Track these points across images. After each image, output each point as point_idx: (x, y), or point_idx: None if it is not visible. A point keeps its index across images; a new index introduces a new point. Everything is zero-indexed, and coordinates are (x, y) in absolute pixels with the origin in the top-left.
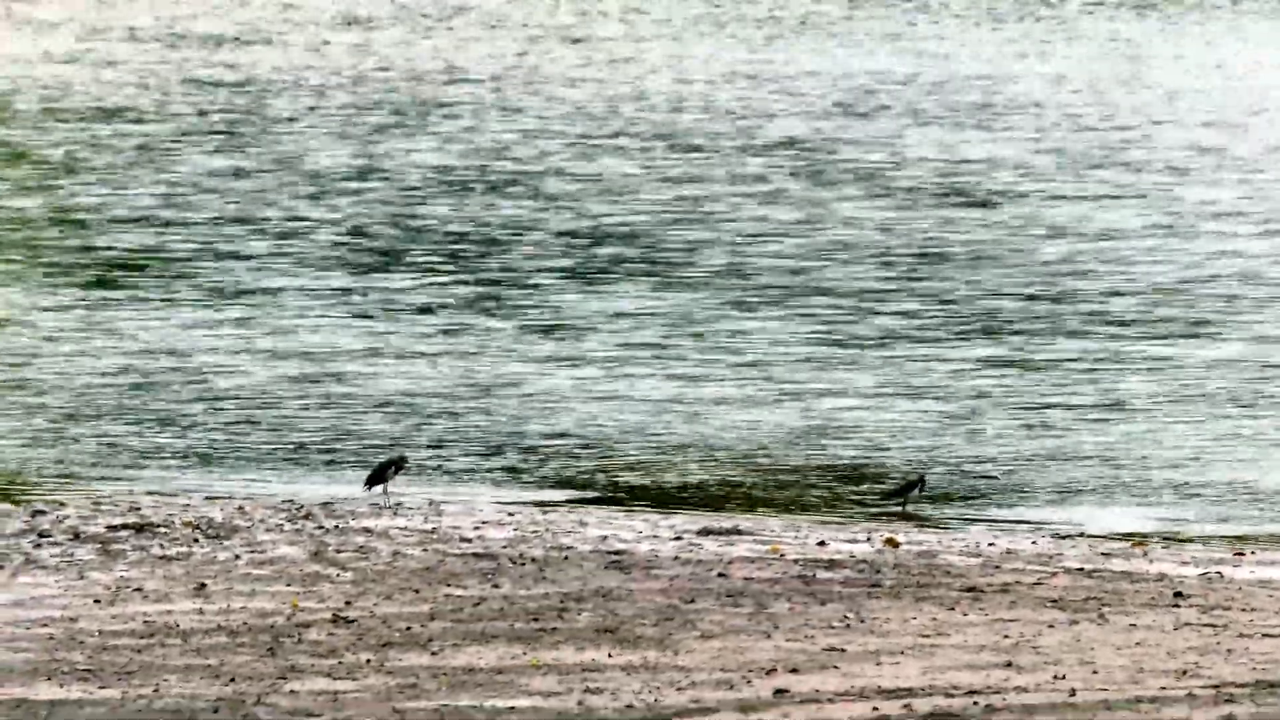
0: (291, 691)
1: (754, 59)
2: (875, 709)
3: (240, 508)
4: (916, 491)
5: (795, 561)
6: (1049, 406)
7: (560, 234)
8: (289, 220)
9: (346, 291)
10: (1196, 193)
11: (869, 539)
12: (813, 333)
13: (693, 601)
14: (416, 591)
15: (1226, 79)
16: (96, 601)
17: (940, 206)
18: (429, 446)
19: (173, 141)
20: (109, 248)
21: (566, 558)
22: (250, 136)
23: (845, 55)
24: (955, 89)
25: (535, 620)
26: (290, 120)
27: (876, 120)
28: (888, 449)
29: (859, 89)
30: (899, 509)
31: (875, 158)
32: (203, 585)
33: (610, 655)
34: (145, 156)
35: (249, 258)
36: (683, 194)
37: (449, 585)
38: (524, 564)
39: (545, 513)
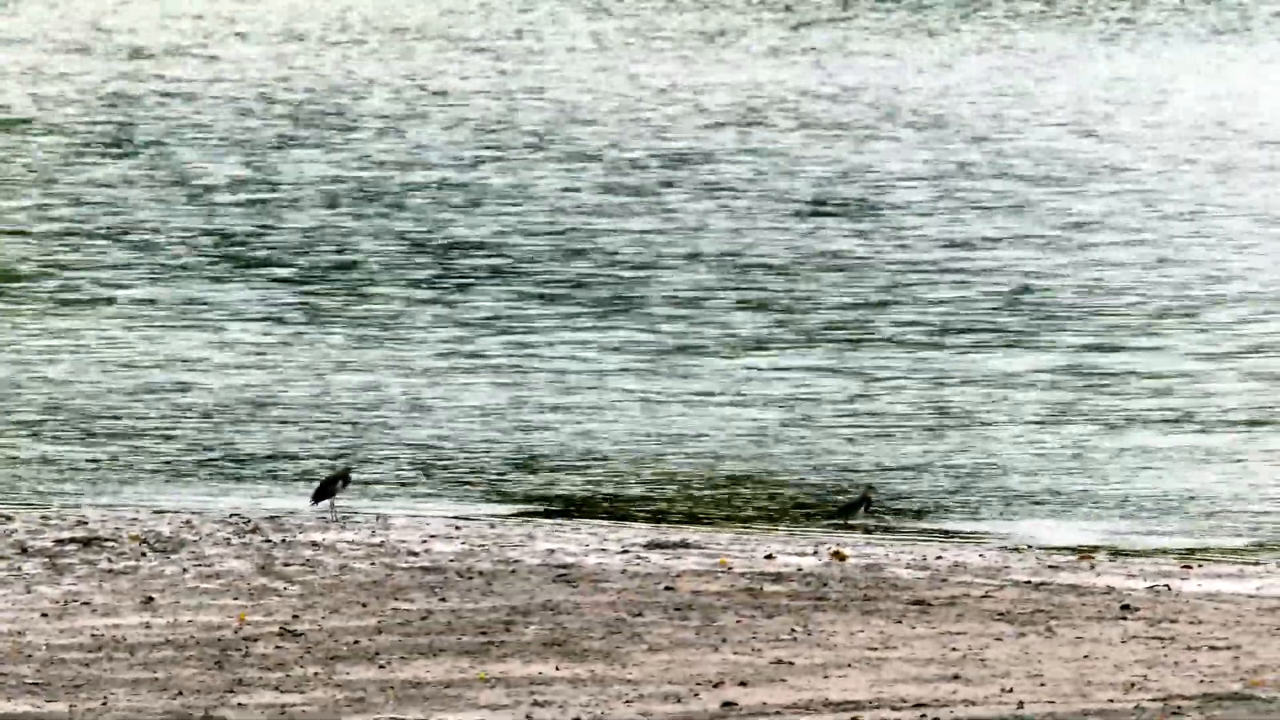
0: (239, 705)
1: (665, 72)
2: None
3: (188, 521)
4: (862, 510)
5: (743, 575)
6: (986, 417)
7: (450, 247)
8: (185, 232)
9: (246, 302)
10: (1076, 203)
11: (816, 552)
12: (727, 340)
13: (640, 615)
14: (364, 605)
15: (1131, 91)
16: (44, 615)
17: (814, 215)
18: (374, 461)
19: (64, 153)
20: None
21: (514, 571)
22: (141, 148)
23: (758, 68)
24: (855, 100)
25: (483, 634)
26: (195, 129)
27: (770, 131)
28: (834, 460)
29: (762, 100)
30: (842, 521)
31: (761, 168)
32: (150, 599)
33: (558, 668)
34: (36, 168)
35: (171, 269)
36: (562, 205)
37: (396, 599)
38: (471, 577)
39: (493, 526)
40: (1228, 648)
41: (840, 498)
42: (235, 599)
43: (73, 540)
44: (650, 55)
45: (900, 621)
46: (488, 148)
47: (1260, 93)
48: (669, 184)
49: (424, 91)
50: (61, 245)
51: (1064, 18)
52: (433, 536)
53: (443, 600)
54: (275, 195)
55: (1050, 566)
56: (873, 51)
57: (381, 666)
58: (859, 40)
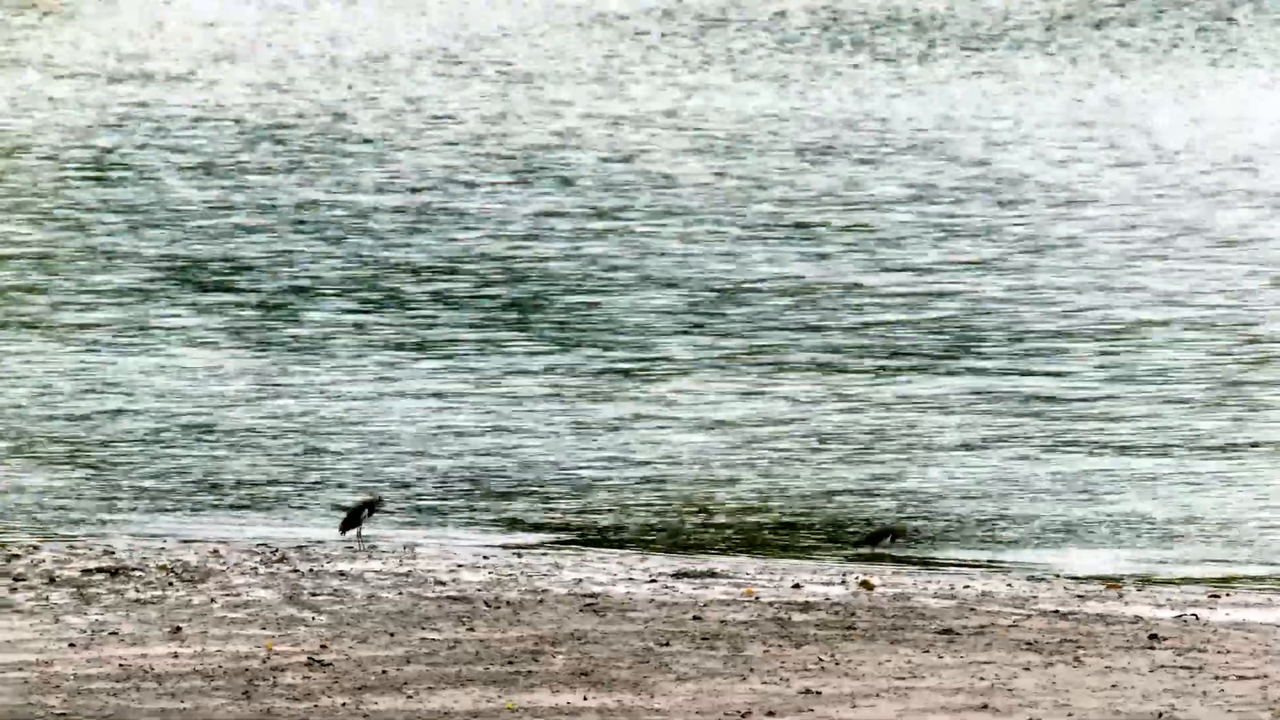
0: None
1: (657, 96)
2: None
3: (215, 551)
4: (889, 540)
5: (770, 604)
6: (1006, 441)
7: (435, 270)
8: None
9: (263, 328)
10: (1037, 227)
11: (844, 581)
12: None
13: (668, 644)
14: (391, 635)
15: (1115, 116)
16: (71, 645)
17: (774, 238)
18: (400, 487)
19: (51, 179)
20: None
21: (541, 600)
22: (129, 173)
23: (752, 92)
24: (834, 125)
25: (510, 663)
26: (187, 155)
27: (749, 155)
28: (854, 487)
29: (746, 125)
30: (869, 550)
31: (729, 193)
32: (178, 629)
33: (585, 698)
34: (21, 194)
35: (167, 294)
36: (541, 228)
37: (424, 628)
38: (499, 607)
39: (520, 555)
40: (1256, 677)
41: (866, 528)
42: (263, 629)
43: (100, 570)
44: (648, 79)
45: (928, 651)
46: (472, 170)
47: (1244, 119)
48: (644, 208)
49: (418, 115)
50: (46, 270)
51: (1059, 44)
52: (460, 566)
53: (470, 630)
54: (267, 221)
55: (1078, 596)
56: (863, 76)
57: (409, 696)
58: (849, 66)
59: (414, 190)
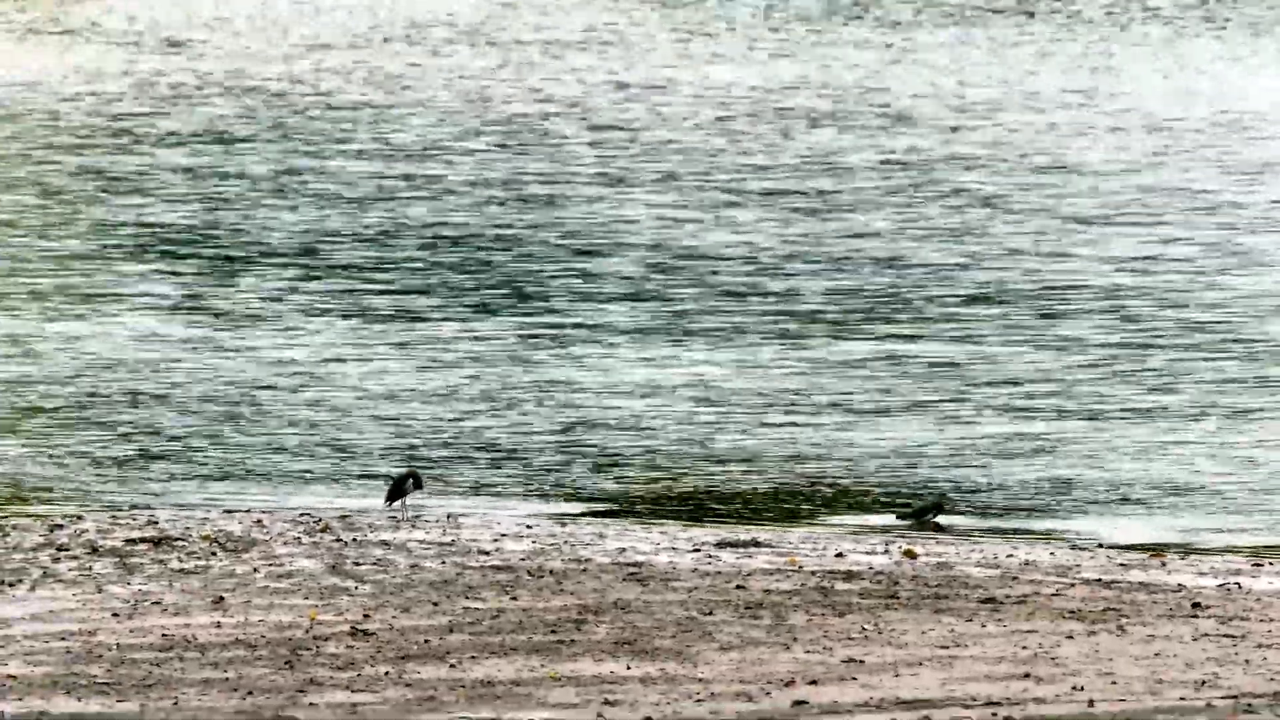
0: (310, 704)
1: (663, 67)
2: None
3: (258, 521)
4: (931, 516)
5: (813, 573)
6: (1047, 413)
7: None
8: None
9: (302, 299)
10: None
11: (887, 550)
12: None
13: (711, 613)
14: (435, 604)
15: (1111, 85)
16: (115, 615)
17: (769, 208)
18: (445, 458)
19: (47, 146)
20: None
21: (585, 570)
22: (131, 142)
23: (759, 64)
24: (832, 95)
25: (553, 632)
26: (189, 125)
27: (734, 125)
28: (901, 459)
29: (730, 96)
30: (914, 522)
31: (721, 165)
32: (221, 598)
33: (629, 667)
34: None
35: (194, 263)
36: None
37: (467, 598)
38: (542, 576)
39: (563, 525)
40: None
41: (912, 501)
42: (306, 598)
43: (143, 540)
44: (652, 49)
45: (971, 620)
46: (465, 138)
47: (1238, 91)
48: (637, 178)
49: (422, 84)
50: (88, 240)
51: (1061, 13)
52: (503, 535)
53: (514, 599)
54: (291, 191)
55: (1120, 565)
56: (858, 45)
57: (452, 665)
58: (846, 36)
59: (387, 159)
